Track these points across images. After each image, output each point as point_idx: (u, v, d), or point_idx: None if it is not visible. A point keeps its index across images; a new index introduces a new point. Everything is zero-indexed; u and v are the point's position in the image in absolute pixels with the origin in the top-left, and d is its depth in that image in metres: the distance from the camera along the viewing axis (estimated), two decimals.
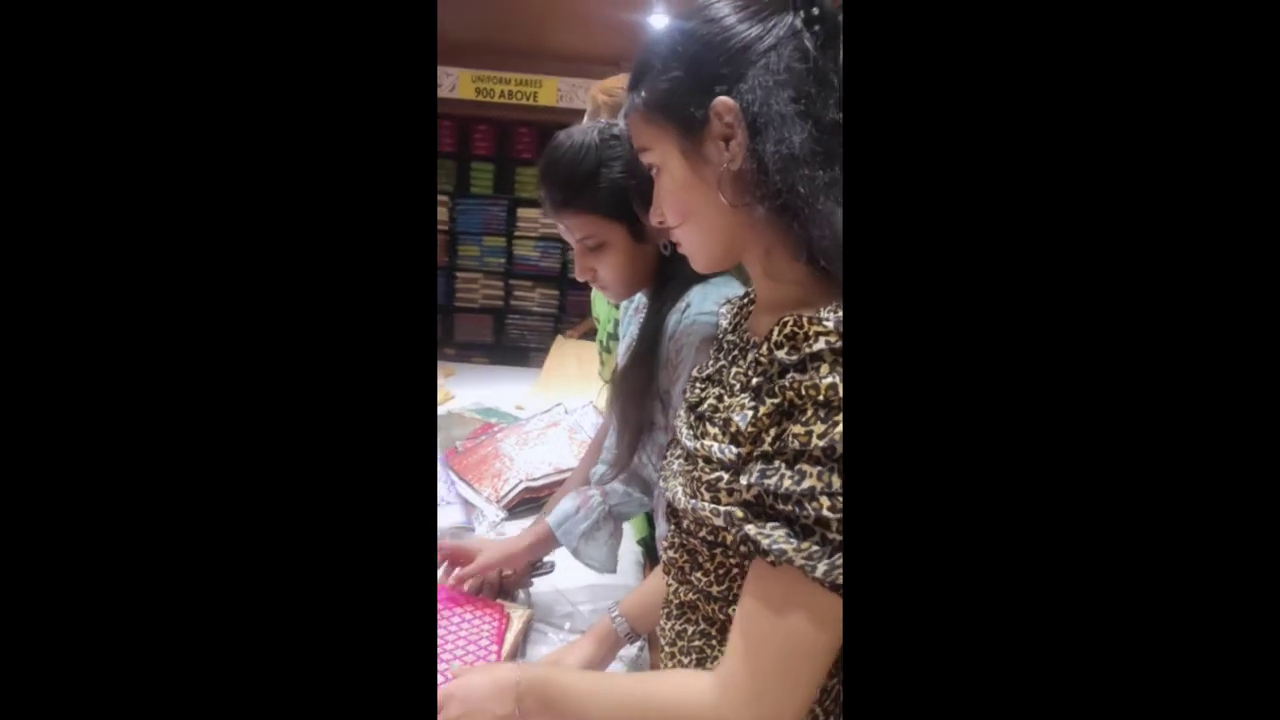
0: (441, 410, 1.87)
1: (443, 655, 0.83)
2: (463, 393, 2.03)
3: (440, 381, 2.14)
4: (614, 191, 0.86)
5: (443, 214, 3.77)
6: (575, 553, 1.00)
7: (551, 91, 3.57)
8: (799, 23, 0.52)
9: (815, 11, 0.52)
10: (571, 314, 3.77)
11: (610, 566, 1.01)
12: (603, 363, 1.42)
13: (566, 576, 1.08)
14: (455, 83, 3.59)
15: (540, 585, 1.06)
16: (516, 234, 3.81)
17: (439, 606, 0.91)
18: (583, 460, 1.28)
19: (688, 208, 0.57)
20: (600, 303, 1.43)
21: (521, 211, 3.78)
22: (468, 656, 0.83)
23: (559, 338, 2.70)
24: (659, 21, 2.66)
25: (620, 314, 1.15)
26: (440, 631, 0.87)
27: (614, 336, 1.35)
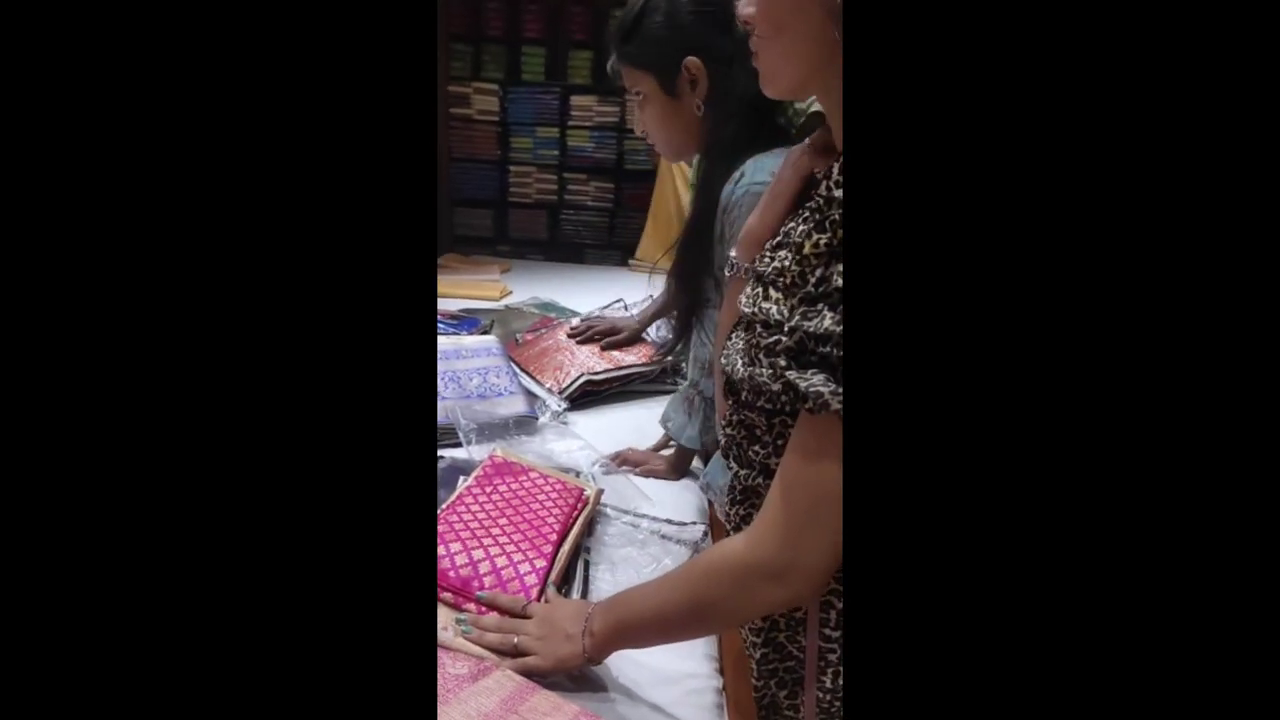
0: (499, 304, 1.87)
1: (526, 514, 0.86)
2: (519, 288, 2.02)
3: (496, 277, 2.14)
4: (650, 42, 0.92)
5: (494, 104, 3.65)
6: (690, 441, 1.08)
7: None
8: None
9: None
10: (629, 208, 3.67)
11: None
12: None
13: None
14: None
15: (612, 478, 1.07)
16: (570, 124, 3.68)
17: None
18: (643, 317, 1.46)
19: (782, 22, 0.53)
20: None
21: (575, 99, 3.63)
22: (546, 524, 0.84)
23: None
24: None
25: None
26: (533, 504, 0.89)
27: None
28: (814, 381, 0.48)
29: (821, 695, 0.59)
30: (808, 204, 0.58)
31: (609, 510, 0.99)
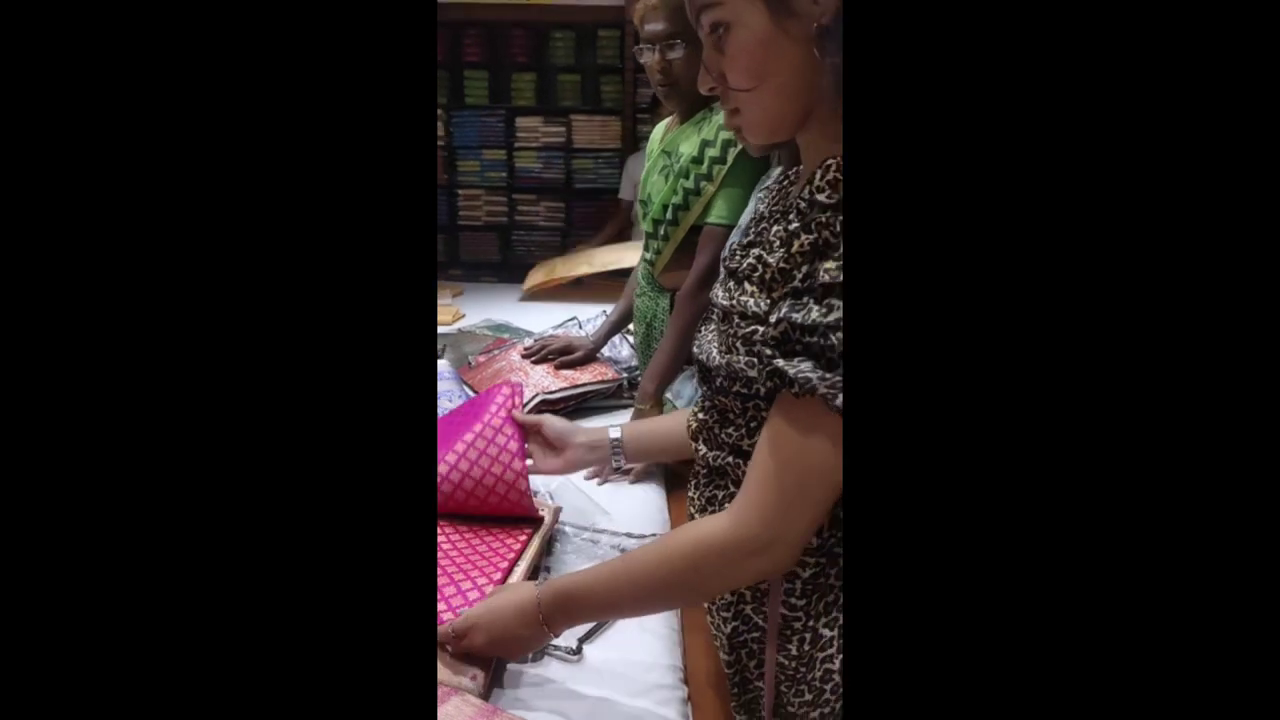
0: (452, 329, 1.85)
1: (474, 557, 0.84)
2: (472, 311, 2.01)
3: (449, 301, 2.12)
4: None
5: (439, 128, 3.63)
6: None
7: None
8: None
9: None
10: (579, 227, 3.68)
11: None
12: (649, 249, 1.39)
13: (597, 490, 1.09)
14: None
15: (567, 493, 1.06)
16: (517, 145, 3.69)
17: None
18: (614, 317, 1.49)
19: (765, 68, 0.52)
20: (650, 182, 1.38)
21: (520, 121, 3.64)
22: (489, 563, 0.84)
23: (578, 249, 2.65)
24: None
25: (749, 204, 1.11)
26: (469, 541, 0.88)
27: (672, 222, 1.31)
28: (801, 368, 0.51)
29: (786, 663, 0.61)
30: (785, 206, 0.60)
31: (568, 528, 0.98)
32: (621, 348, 1.58)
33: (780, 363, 0.52)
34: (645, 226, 1.39)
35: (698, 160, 1.26)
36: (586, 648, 0.76)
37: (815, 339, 0.50)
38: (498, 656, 0.70)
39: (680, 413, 0.89)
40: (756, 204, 0.71)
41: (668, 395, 1.19)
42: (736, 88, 0.54)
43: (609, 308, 1.60)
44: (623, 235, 3.02)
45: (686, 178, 1.28)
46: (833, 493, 0.55)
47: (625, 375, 1.43)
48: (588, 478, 1.09)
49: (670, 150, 1.33)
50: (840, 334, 0.49)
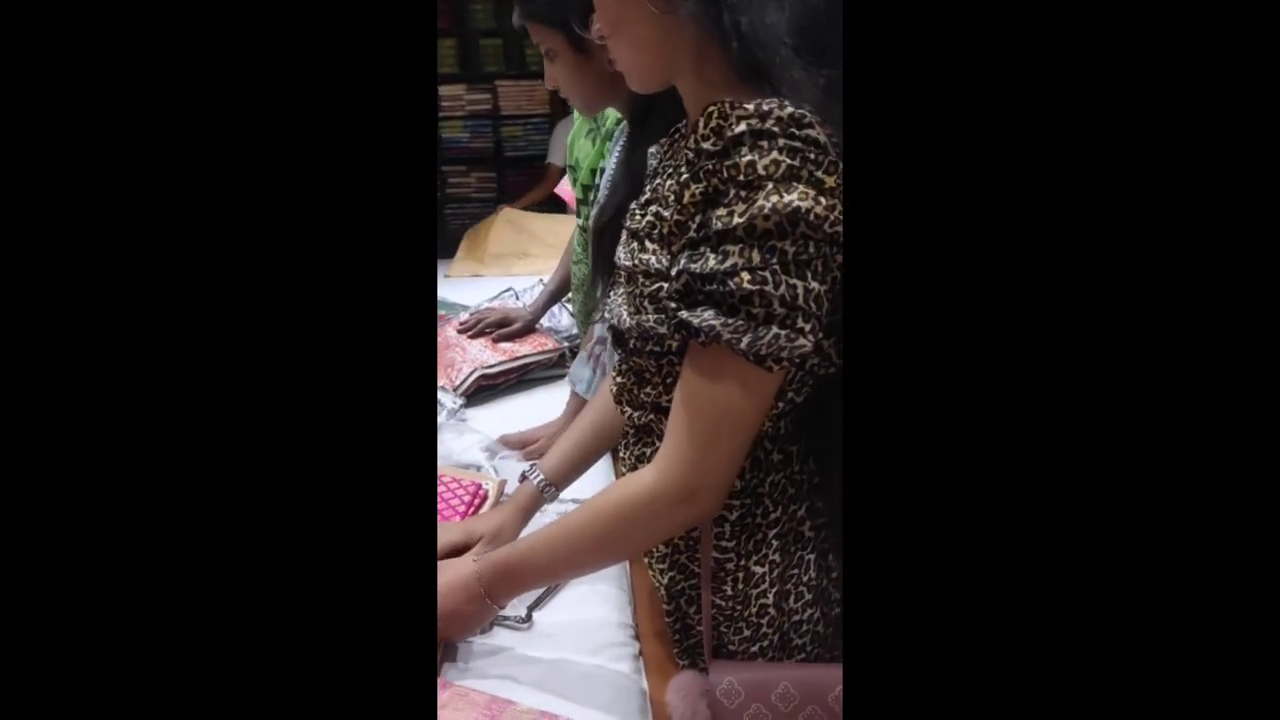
0: None
1: None
2: None
3: None
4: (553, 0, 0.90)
5: None
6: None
7: None
8: None
9: None
10: (513, 196, 3.61)
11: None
12: (581, 214, 1.38)
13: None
14: None
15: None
16: (442, 115, 3.57)
17: None
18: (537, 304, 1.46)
19: (617, 16, 0.57)
20: (577, 146, 1.36)
21: (443, 90, 3.52)
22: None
23: (499, 210, 2.61)
24: None
25: (606, 156, 1.13)
26: None
27: (595, 187, 1.30)
28: (705, 317, 0.52)
29: (722, 604, 0.64)
30: (674, 160, 0.61)
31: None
32: (561, 317, 1.57)
33: (684, 314, 0.54)
34: (576, 192, 1.38)
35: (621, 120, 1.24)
36: (536, 614, 0.77)
37: (715, 286, 0.52)
38: (446, 638, 0.70)
39: (591, 406, 0.87)
40: (647, 156, 0.71)
41: (568, 380, 1.17)
42: (598, 37, 0.60)
43: (546, 276, 1.59)
44: (553, 200, 2.98)
45: (611, 140, 1.26)
46: (748, 434, 0.57)
47: (566, 344, 1.43)
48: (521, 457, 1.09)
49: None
50: (736, 279, 0.51)
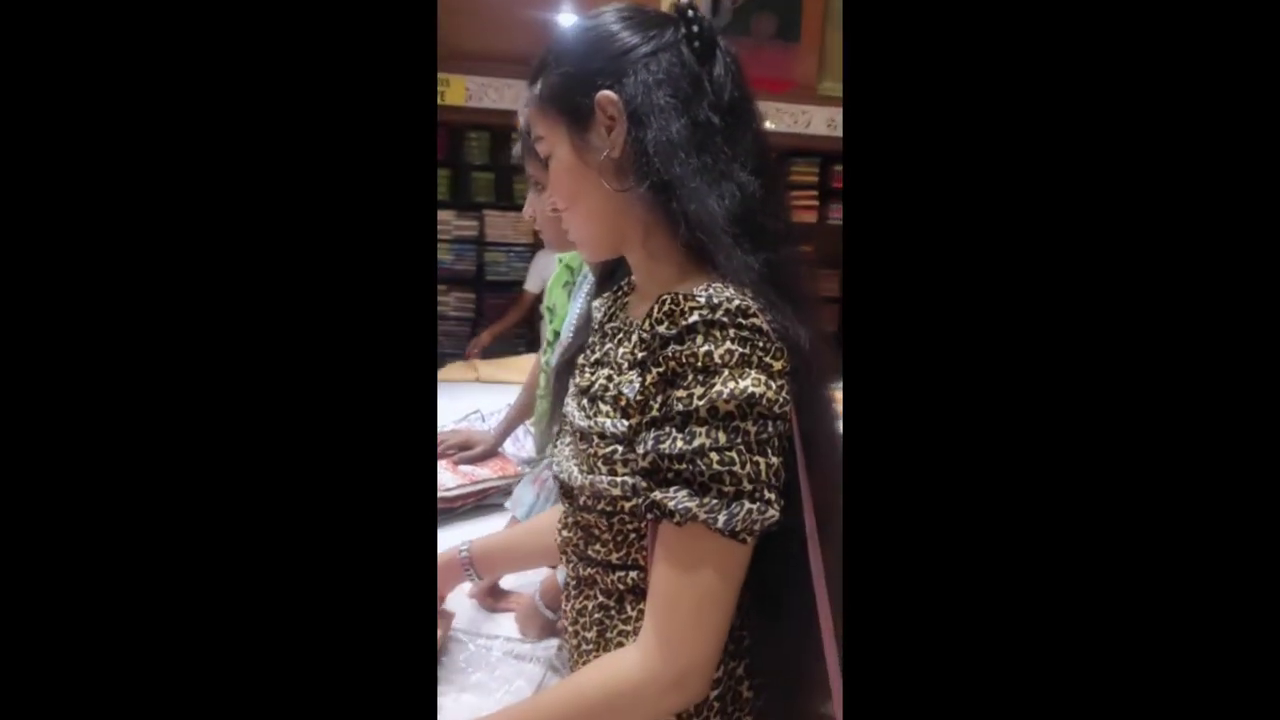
0: None
1: None
2: None
3: None
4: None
5: None
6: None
7: (460, 91, 3.49)
8: (680, 37, 0.60)
9: (695, 30, 0.60)
10: (490, 319, 3.69)
11: None
12: (546, 353, 1.40)
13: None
14: None
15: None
16: None
17: None
18: (501, 427, 1.47)
19: (574, 191, 0.63)
20: (555, 293, 1.41)
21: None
22: None
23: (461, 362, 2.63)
24: (567, 20, 2.65)
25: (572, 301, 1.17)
26: None
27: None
28: (679, 497, 0.54)
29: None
30: (625, 325, 0.64)
31: (460, 634, 0.95)
32: (526, 442, 1.57)
33: (657, 495, 0.55)
34: (548, 335, 1.42)
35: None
36: None
37: (685, 466, 0.54)
38: None
39: (536, 522, 0.89)
40: (592, 309, 0.74)
41: (506, 504, 1.17)
42: (555, 208, 0.66)
43: (514, 400, 1.60)
44: (527, 325, 3.05)
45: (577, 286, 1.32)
46: (729, 610, 0.57)
47: (528, 470, 1.42)
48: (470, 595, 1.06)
49: (573, 266, 1.38)
50: (705, 459, 0.53)
